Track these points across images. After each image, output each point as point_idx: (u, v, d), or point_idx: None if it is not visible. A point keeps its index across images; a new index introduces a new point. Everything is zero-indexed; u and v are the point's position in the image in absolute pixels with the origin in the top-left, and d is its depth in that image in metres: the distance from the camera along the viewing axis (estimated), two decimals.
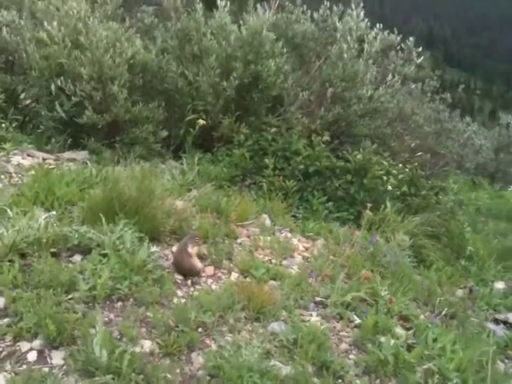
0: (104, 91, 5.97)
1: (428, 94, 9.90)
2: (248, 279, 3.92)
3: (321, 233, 5.33)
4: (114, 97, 6.03)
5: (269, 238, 4.89)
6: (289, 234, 5.10)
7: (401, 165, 6.56)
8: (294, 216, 5.69)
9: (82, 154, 6.50)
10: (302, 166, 5.97)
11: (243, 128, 6.62)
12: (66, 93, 6.13)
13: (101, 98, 6.01)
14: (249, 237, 4.90)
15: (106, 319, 3.05)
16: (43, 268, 3.20)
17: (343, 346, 3.42)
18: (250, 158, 6.40)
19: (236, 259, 4.18)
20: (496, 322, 4.93)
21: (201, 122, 6.05)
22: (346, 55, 7.32)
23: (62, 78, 6.09)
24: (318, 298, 3.79)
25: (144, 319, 3.13)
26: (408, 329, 3.83)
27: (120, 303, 3.22)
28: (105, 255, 3.52)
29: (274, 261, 4.43)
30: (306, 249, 4.91)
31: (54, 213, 3.89)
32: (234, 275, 3.92)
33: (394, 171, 6.17)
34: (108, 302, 3.21)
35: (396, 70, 8.54)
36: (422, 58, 8.99)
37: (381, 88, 7.27)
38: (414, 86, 9.31)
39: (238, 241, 4.66)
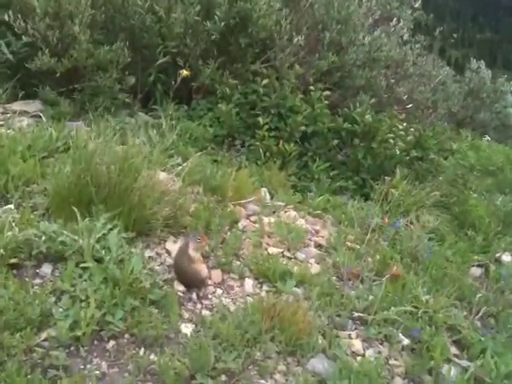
0: (62, 30, 4.80)
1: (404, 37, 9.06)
2: (265, 287, 3.13)
3: (328, 209, 4.56)
4: (73, 37, 4.87)
5: (273, 219, 4.08)
6: (294, 213, 4.29)
7: (405, 124, 5.77)
8: (293, 186, 4.88)
9: (34, 106, 5.38)
10: (303, 128, 5.09)
11: (228, 77, 5.62)
12: (15, 30, 4.91)
13: (58, 39, 4.83)
14: (249, 218, 4.08)
15: (98, 373, 2.20)
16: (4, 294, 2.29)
17: (398, 381, 2.72)
18: (237, 114, 5.46)
19: (245, 256, 3.36)
20: None
21: (184, 72, 5.03)
22: None
23: (9, 11, 4.85)
24: (355, 314, 3.04)
25: (148, 367, 2.29)
26: (460, 345, 3.17)
27: (113, 343, 2.37)
28: (85, 268, 2.62)
29: (286, 253, 3.65)
30: (317, 232, 4.13)
31: (12, 207, 2.91)
32: (249, 283, 3.11)
33: (402, 132, 5.40)
34: (96, 342, 2.35)
35: (391, 13, 7.66)
36: (419, 1, 8.14)
37: (383, 35, 6.36)
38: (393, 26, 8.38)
39: (240, 225, 3.83)
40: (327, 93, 5.46)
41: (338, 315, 2.97)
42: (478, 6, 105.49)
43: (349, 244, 3.97)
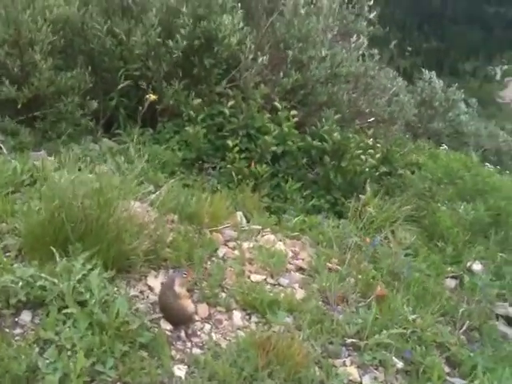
0: (22, 58, 4.62)
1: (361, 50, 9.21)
2: (254, 318, 3.05)
3: (305, 229, 4.52)
4: (34, 65, 4.70)
5: (251, 244, 4.02)
6: (272, 237, 4.23)
7: (371, 139, 5.82)
8: (267, 208, 4.82)
9: None
10: (274, 148, 5.05)
11: (193, 99, 5.54)
12: None
13: (18, 67, 4.65)
14: (227, 244, 4.00)
15: None
16: None
17: None
18: (204, 137, 5.37)
19: (229, 287, 3.27)
20: (496, 317, 4.46)
21: (151, 97, 4.90)
22: (302, 11, 6.39)
23: None
24: (348, 340, 2.99)
25: None
26: (450, 363, 3.17)
27: None
28: (67, 314, 2.48)
29: (269, 280, 3.58)
30: (296, 254, 4.08)
31: None
32: (237, 315, 3.02)
33: (371, 150, 5.44)
34: None
35: (348, 27, 7.77)
36: (374, 13, 8.26)
37: (344, 51, 6.42)
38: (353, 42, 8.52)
39: (219, 253, 3.74)
40: (294, 112, 5.45)
41: (331, 343, 2.92)
42: (423, 16, 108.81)
43: (330, 265, 3.94)
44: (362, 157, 5.27)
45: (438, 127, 14.55)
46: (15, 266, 2.75)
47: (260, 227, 4.35)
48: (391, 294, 3.57)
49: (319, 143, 5.13)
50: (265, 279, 3.56)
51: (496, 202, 6.58)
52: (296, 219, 4.56)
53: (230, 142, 5.05)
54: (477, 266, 5.58)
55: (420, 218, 5.65)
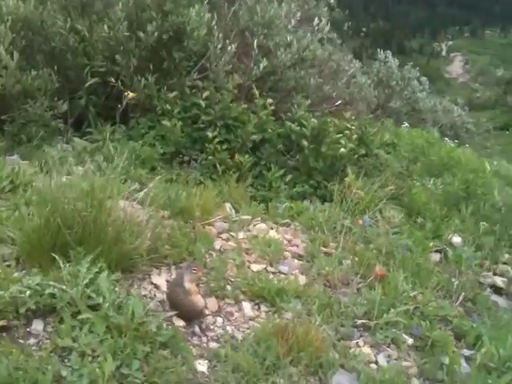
0: None
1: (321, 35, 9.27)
2: (264, 308, 3.04)
3: (294, 216, 4.54)
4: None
5: (244, 235, 4.01)
6: (263, 225, 4.22)
7: (346, 123, 5.86)
8: (252, 197, 4.81)
9: None
10: (254, 137, 5.02)
11: (166, 93, 5.45)
12: None
13: None
14: (220, 237, 3.97)
15: None
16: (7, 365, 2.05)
17: (414, 382, 2.72)
18: (181, 130, 5.29)
19: (232, 278, 3.25)
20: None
21: (130, 94, 4.78)
22: None
23: None
24: (358, 321, 3.02)
25: None
26: (455, 335, 3.25)
27: None
28: (82, 320, 2.41)
29: (270, 268, 3.57)
30: (289, 241, 4.09)
31: None
32: (247, 306, 3.01)
33: (348, 132, 5.48)
34: None
35: (309, 12, 7.79)
36: None
37: (308, 35, 6.43)
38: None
39: (216, 246, 3.71)
40: (270, 100, 5.43)
41: (342, 325, 2.94)
42: None
43: (325, 250, 3.96)
44: (342, 141, 5.30)
45: (396, 106, 14.77)
46: (16, 274, 2.65)
47: (250, 217, 4.33)
48: (390, 274, 3.62)
49: (298, 128, 5.14)
50: (265, 268, 3.55)
51: (464, 175, 6.74)
52: (284, 205, 4.56)
53: (209, 134, 4.99)
54: (457, 239, 5.72)
55: (399, 196, 5.74)
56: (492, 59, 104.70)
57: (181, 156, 5.13)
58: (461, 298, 3.84)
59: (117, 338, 2.34)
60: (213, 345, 2.67)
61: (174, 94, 5.30)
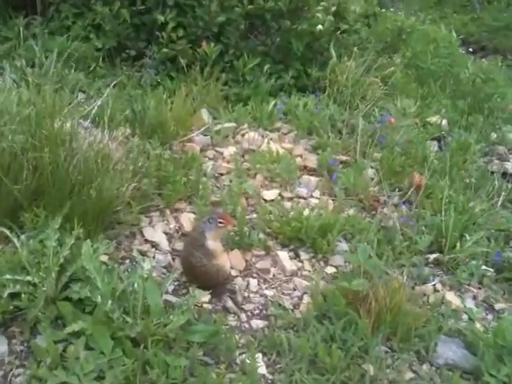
0: None
1: None
2: (304, 255, 2.25)
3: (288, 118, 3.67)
4: None
5: (235, 149, 3.13)
6: (252, 134, 3.31)
7: None
8: (225, 97, 3.82)
9: None
10: (220, 18, 3.90)
11: None
12: None
13: None
14: (206, 155, 3.07)
15: None
16: None
17: None
18: (119, 16, 4.06)
19: (250, 217, 2.41)
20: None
21: None
22: None
23: None
24: (430, 257, 2.31)
25: None
26: None
27: None
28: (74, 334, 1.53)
29: (285, 194, 2.75)
30: (290, 152, 3.22)
31: None
32: (283, 257, 2.19)
33: (324, 3, 4.46)
34: None
35: None
36: None
37: None
38: None
39: (207, 168, 2.82)
40: None
41: (413, 265, 2.21)
42: None
43: (340, 158, 3.16)
44: (318, 14, 4.31)
45: None
46: None
47: (234, 124, 3.41)
48: (431, 182, 2.90)
49: (273, 4, 4.07)
50: (279, 194, 2.72)
51: (424, 47, 5.99)
52: (267, 106, 3.63)
53: (160, 17, 3.83)
54: (444, 122, 5.12)
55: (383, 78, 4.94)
56: None
57: (126, 51, 3.97)
58: (501, 198, 3.21)
59: (132, 353, 1.50)
60: (257, 324, 1.87)
61: None
